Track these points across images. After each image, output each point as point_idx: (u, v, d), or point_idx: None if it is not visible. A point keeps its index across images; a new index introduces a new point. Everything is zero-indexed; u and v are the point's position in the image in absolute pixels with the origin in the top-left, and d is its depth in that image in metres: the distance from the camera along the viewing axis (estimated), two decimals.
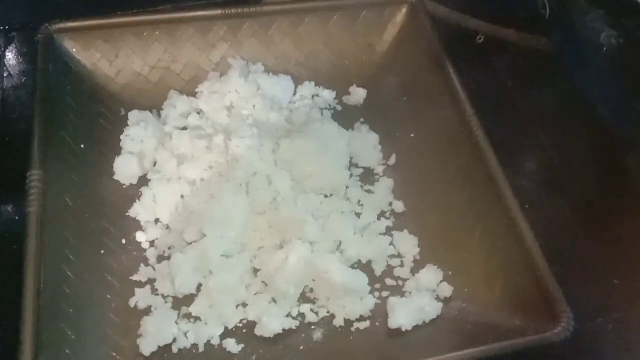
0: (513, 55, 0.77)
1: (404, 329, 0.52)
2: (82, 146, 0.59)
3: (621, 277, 0.60)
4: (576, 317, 0.50)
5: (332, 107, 0.68)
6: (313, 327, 0.53)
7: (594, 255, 0.61)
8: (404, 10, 0.69)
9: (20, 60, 0.70)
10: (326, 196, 0.60)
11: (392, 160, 0.64)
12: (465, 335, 0.52)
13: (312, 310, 0.54)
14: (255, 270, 0.56)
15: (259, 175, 0.58)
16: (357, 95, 0.69)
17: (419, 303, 0.54)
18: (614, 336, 0.57)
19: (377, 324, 0.54)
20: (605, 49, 0.69)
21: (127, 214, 0.58)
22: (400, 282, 0.57)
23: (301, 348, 0.52)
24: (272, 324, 0.52)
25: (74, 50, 0.63)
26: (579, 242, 0.63)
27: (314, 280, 0.55)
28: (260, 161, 0.58)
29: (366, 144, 0.64)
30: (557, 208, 0.65)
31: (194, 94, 0.66)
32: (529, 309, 0.52)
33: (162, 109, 0.65)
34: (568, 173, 0.68)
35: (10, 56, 0.71)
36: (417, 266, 0.58)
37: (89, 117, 0.62)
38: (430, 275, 0.56)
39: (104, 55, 0.64)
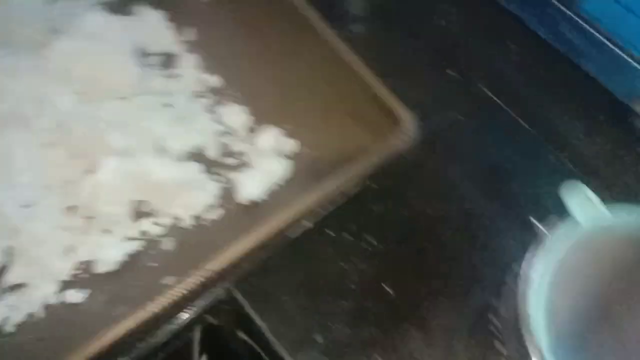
0: None
1: (259, 200, 0.47)
2: None
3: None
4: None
5: None
6: (161, 238, 0.47)
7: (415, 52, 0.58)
8: None
9: None
10: (122, 98, 0.51)
11: (193, 35, 0.56)
12: (323, 176, 0.48)
13: (154, 223, 0.47)
14: (72, 208, 0.47)
15: (29, 99, 0.47)
16: None
17: (266, 168, 0.48)
18: (454, 133, 0.55)
19: (231, 206, 0.48)
20: None
21: None
22: (242, 157, 0.50)
23: (155, 265, 0.45)
24: (110, 254, 0.44)
25: None
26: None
27: (142, 192, 0.47)
28: (23, 83, 0.47)
29: (152, 25, 0.55)
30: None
31: None
32: (375, 128, 0.48)
33: None
34: None
35: None
36: (254, 133, 0.51)
37: None
38: (269, 136, 0.50)
39: None
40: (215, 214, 0.47)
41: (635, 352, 0.32)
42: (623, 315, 0.33)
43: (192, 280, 0.39)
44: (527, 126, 0.55)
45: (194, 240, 0.46)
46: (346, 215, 0.49)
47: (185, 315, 0.45)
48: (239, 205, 0.47)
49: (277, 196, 0.47)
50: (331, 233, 0.49)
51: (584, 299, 0.33)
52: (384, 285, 0.47)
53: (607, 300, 0.33)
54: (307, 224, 0.48)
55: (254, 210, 0.47)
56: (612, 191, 0.51)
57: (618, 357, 0.32)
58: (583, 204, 0.34)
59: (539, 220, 0.46)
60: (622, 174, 0.52)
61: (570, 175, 0.52)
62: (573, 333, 0.32)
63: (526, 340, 0.30)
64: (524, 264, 0.33)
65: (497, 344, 0.34)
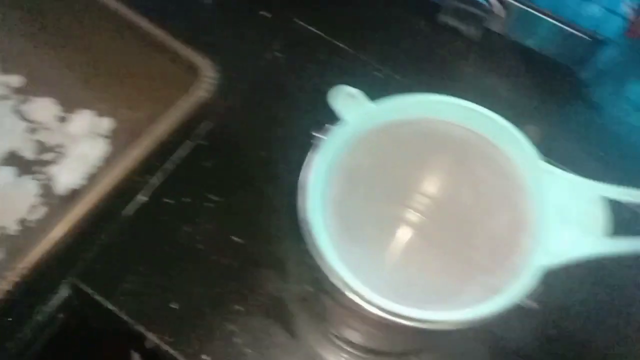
0: None
1: (79, 187, 0.46)
2: None
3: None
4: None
5: None
6: None
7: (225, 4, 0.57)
8: None
9: None
10: None
11: None
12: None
13: None
14: None
15: None
16: None
17: (81, 153, 0.47)
18: (273, 72, 0.55)
19: (53, 201, 0.47)
20: None
21: None
22: (59, 149, 0.49)
23: None
24: None
25: None
26: None
27: None
28: None
29: None
30: None
31: None
32: (179, 86, 0.47)
33: None
34: None
35: None
36: (66, 122, 0.50)
37: None
38: (82, 121, 0.49)
39: None
40: (39, 213, 0.46)
41: (429, 210, 0.33)
42: (412, 184, 0.33)
43: (5, 284, 0.38)
44: (346, 47, 0.55)
45: (21, 244, 0.44)
46: (181, 179, 0.48)
47: (36, 319, 0.43)
48: (61, 197, 0.46)
49: (95, 177, 0.46)
50: (170, 201, 0.48)
51: (370, 188, 0.33)
52: (233, 237, 0.47)
53: (392, 180, 0.34)
54: (142, 198, 0.47)
55: (74, 199, 0.45)
56: (432, 86, 0.52)
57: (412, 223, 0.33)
58: (348, 103, 0.35)
59: None
60: (436, 68, 0.54)
61: (392, 83, 0.53)
62: (366, 223, 0.33)
63: (309, 246, 0.31)
64: (301, 174, 0.33)
65: (308, 259, 0.34)
